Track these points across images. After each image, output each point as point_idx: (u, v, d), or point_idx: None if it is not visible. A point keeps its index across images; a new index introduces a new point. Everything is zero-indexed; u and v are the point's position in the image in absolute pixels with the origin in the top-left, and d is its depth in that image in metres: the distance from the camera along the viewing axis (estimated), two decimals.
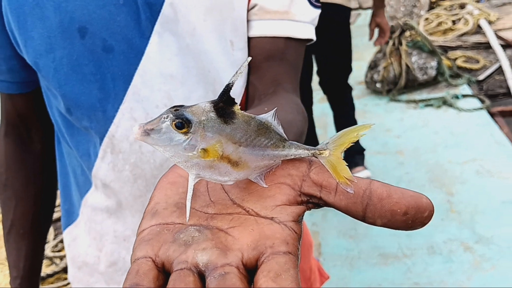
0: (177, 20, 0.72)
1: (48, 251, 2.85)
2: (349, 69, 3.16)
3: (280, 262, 0.30)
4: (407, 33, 4.29)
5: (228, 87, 0.34)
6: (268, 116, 0.36)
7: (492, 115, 3.66)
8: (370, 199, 0.34)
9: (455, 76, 4.35)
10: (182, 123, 0.34)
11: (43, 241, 1.00)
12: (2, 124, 0.92)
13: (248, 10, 0.75)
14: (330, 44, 2.87)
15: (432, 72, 4.26)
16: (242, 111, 0.35)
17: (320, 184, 0.35)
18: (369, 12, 6.91)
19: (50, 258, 2.83)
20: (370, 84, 4.39)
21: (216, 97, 0.35)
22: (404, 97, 4.20)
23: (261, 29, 0.75)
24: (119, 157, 0.78)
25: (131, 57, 0.73)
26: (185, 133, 0.34)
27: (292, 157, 0.37)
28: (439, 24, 5.56)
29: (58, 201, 1.78)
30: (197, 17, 0.73)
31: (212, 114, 0.34)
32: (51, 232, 3.02)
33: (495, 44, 4.81)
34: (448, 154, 3.23)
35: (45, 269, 2.72)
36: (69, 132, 0.82)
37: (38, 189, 0.95)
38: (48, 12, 0.71)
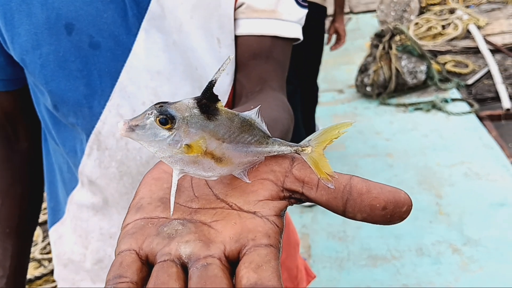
0: (164, 16, 0.72)
1: (36, 253, 2.83)
2: (317, 70, 3.24)
3: (261, 254, 0.31)
4: (397, 38, 4.31)
5: (211, 84, 0.35)
6: (251, 114, 0.37)
7: (481, 119, 3.69)
8: (350, 194, 0.34)
9: (445, 80, 4.39)
10: (166, 119, 0.34)
11: (30, 240, 0.98)
12: None
13: (236, 9, 0.76)
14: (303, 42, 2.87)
15: (422, 76, 4.29)
16: (226, 108, 0.36)
17: (302, 180, 0.36)
18: (360, 16, 6.95)
19: (39, 260, 2.80)
20: (360, 87, 4.41)
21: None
22: (394, 100, 4.22)
23: (248, 27, 0.76)
24: (106, 154, 0.78)
25: (118, 53, 0.73)
26: (169, 129, 0.35)
27: (275, 153, 0.38)
28: (429, 28, 5.61)
29: (46, 204, 1.78)
30: (184, 14, 0.73)
31: (196, 111, 0.35)
32: (40, 234, 3.00)
33: (484, 49, 4.85)
34: (437, 157, 3.25)
35: (34, 271, 2.70)
36: (56, 128, 0.82)
37: (25, 188, 0.94)
38: (35, 9, 0.70)
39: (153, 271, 0.31)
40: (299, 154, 0.37)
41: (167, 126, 0.35)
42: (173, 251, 0.32)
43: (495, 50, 4.87)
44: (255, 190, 0.36)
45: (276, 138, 0.38)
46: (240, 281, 0.29)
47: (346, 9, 7.24)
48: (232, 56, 0.37)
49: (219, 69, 0.35)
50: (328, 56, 4.50)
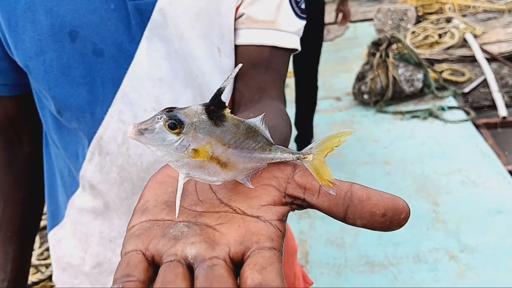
0: (166, 25, 0.74)
1: (33, 259, 2.82)
2: (316, 70, 3.39)
3: (265, 256, 0.32)
4: (394, 46, 4.34)
5: (220, 91, 0.36)
6: (256, 121, 0.38)
7: (477, 127, 3.70)
8: (351, 200, 0.36)
9: (441, 88, 4.41)
10: (175, 123, 0.35)
11: (31, 244, 0.99)
12: None
13: (236, 19, 0.77)
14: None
15: (419, 84, 4.31)
16: (232, 115, 0.37)
17: (304, 187, 0.37)
18: (358, 24, 6.99)
19: (36, 266, 2.80)
20: (357, 95, 4.43)
21: (203, 101, 0.37)
22: (391, 108, 4.24)
23: (248, 37, 0.78)
24: (107, 159, 0.79)
25: (120, 61, 0.74)
26: (177, 134, 0.36)
27: (278, 160, 0.39)
28: (426, 37, 5.64)
29: (44, 209, 1.77)
30: (186, 23, 0.74)
31: (204, 116, 0.36)
32: (37, 240, 2.99)
33: (481, 57, 4.88)
34: (434, 164, 3.27)
35: (31, 277, 2.69)
36: (58, 133, 0.83)
37: (27, 192, 0.95)
38: (39, 16, 0.71)
39: (160, 270, 0.32)
40: (301, 161, 0.38)
41: (176, 131, 0.36)
42: (179, 252, 0.33)
43: (491, 58, 4.90)
44: (258, 195, 0.37)
45: (279, 146, 0.39)
46: (245, 282, 0.30)
47: (350, 19, 7.27)
48: (241, 64, 0.38)
49: (228, 77, 0.36)
50: (325, 64, 4.53)
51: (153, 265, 0.33)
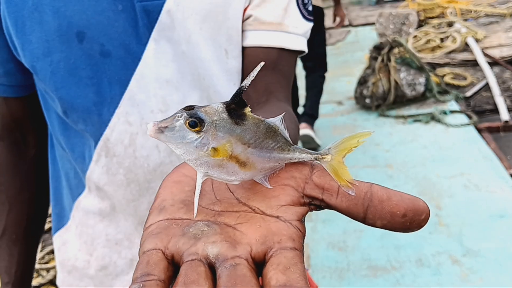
0: (173, 27, 0.73)
1: None
2: (324, 66, 3.96)
3: (288, 256, 0.31)
4: (396, 50, 4.34)
5: (241, 90, 0.36)
6: (276, 120, 0.38)
7: (479, 130, 3.70)
8: (371, 201, 0.35)
9: (443, 92, 4.41)
10: (196, 122, 0.35)
11: (36, 247, 0.99)
12: None
13: (243, 21, 0.77)
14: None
15: (421, 88, 4.31)
16: (253, 114, 0.37)
17: (322, 187, 0.37)
18: (360, 29, 7.01)
19: (37, 270, 2.79)
20: (359, 99, 4.44)
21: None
22: (393, 112, 4.24)
23: (255, 39, 0.77)
24: (113, 160, 0.79)
25: (128, 62, 0.74)
26: (198, 132, 0.35)
27: (296, 160, 0.38)
28: (428, 41, 5.65)
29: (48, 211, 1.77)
30: (193, 25, 0.74)
31: (224, 115, 0.36)
32: None
33: (482, 61, 4.89)
34: (436, 168, 3.26)
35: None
36: (65, 134, 0.82)
37: (32, 194, 0.95)
38: (46, 16, 0.71)
39: (181, 269, 0.31)
40: (319, 161, 0.38)
41: (196, 129, 0.35)
42: (200, 251, 0.32)
43: (493, 62, 4.90)
44: (277, 195, 0.37)
45: (297, 146, 0.38)
46: (269, 282, 0.30)
47: (346, 22, 7.30)
48: (262, 63, 0.38)
49: (249, 75, 0.36)
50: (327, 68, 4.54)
51: (173, 264, 0.33)
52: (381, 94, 4.28)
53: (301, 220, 0.35)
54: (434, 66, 5.05)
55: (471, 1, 6.93)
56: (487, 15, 6.40)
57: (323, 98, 4.53)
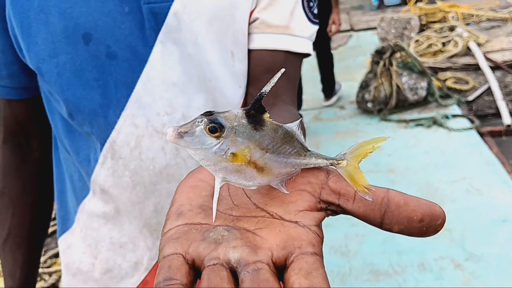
0: (180, 29, 0.73)
1: None
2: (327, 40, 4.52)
3: (309, 261, 0.32)
4: (398, 54, 4.35)
5: (261, 96, 0.36)
6: (293, 125, 0.38)
7: (482, 135, 3.70)
8: (388, 206, 0.35)
9: (445, 96, 4.41)
10: (216, 127, 0.35)
11: (40, 250, 0.99)
12: (0, 131, 0.91)
13: (250, 23, 0.77)
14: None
15: (422, 93, 4.31)
16: (271, 119, 0.37)
17: (339, 192, 0.37)
18: (361, 33, 7.02)
19: (39, 274, 2.80)
20: (361, 103, 4.44)
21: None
22: (395, 116, 4.24)
23: (262, 42, 0.78)
24: (119, 163, 0.79)
25: (134, 64, 0.74)
26: (217, 138, 0.35)
27: (312, 166, 0.39)
28: (429, 46, 5.65)
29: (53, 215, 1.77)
30: (200, 28, 0.74)
31: (244, 121, 0.36)
32: None
33: (484, 65, 4.89)
34: (439, 173, 3.26)
35: None
36: (69, 137, 0.82)
37: (35, 197, 0.95)
38: (52, 18, 0.71)
39: (203, 273, 0.32)
40: (334, 167, 0.38)
41: (216, 135, 0.35)
42: (222, 256, 0.32)
43: (495, 67, 4.90)
44: (294, 200, 0.37)
45: (313, 151, 0.39)
46: (291, 286, 0.30)
47: (347, 27, 7.32)
48: (283, 70, 0.38)
49: (269, 82, 0.36)
50: None
51: (194, 269, 0.33)
52: (383, 99, 4.28)
53: (319, 225, 0.36)
54: (436, 70, 5.05)
55: (472, 5, 6.94)
56: (489, 20, 6.40)
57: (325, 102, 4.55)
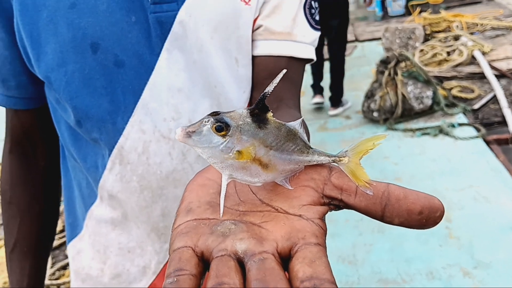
0: (186, 37, 0.75)
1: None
2: (345, 40, 4.84)
3: (312, 251, 0.33)
4: (403, 64, 4.36)
5: (265, 96, 0.38)
6: (296, 124, 0.40)
7: (488, 143, 3.69)
8: (389, 200, 0.37)
9: (451, 105, 4.41)
10: (222, 126, 0.37)
11: (46, 259, 1.00)
12: (7, 141, 0.93)
13: (253, 30, 0.79)
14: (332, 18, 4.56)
15: (428, 102, 4.32)
16: (274, 118, 0.39)
17: (341, 188, 0.39)
18: (366, 44, 7.03)
19: (47, 286, 2.80)
20: (367, 113, 4.45)
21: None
22: (401, 125, 4.25)
23: (265, 48, 0.80)
24: (127, 168, 0.80)
25: (141, 72, 0.75)
26: (223, 136, 0.37)
27: (315, 163, 0.40)
28: (434, 55, 5.66)
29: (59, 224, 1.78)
30: (205, 35, 0.76)
31: (248, 119, 0.38)
32: (49, 260, 3.00)
33: (489, 74, 4.89)
34: (445, 181, 3.25)
35: None
36: (76, 145, 0.84)
37: (42, 206, 0.96)
38: (61, 28, 0.73)
39: (212, 264, 0.33)
40: (336, 163, 0.40)
41: (222, 133, 0.37)
42: (229, 247, 0.34)
43: (500, 75, 4.90)
44: (298, 196, 0.39)
45: (316, 149, 0.40)
46: (296, 274, 0.31)
47: (352, 38, 7.35)
48: (284, 70, 0.40)
49: (272, 82, 0.38)
50: None
51: (203, 261, 0.35)
52: (388, 108, 4.29)
53: (322, 218, 0.37)
54: (441, 79, 5.06)
55: (477, 14, 6.96)
56: (493, 28, 6.42)
57: (331, 112, 4.56)
